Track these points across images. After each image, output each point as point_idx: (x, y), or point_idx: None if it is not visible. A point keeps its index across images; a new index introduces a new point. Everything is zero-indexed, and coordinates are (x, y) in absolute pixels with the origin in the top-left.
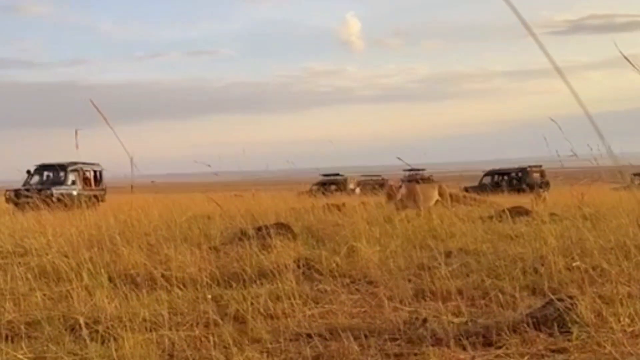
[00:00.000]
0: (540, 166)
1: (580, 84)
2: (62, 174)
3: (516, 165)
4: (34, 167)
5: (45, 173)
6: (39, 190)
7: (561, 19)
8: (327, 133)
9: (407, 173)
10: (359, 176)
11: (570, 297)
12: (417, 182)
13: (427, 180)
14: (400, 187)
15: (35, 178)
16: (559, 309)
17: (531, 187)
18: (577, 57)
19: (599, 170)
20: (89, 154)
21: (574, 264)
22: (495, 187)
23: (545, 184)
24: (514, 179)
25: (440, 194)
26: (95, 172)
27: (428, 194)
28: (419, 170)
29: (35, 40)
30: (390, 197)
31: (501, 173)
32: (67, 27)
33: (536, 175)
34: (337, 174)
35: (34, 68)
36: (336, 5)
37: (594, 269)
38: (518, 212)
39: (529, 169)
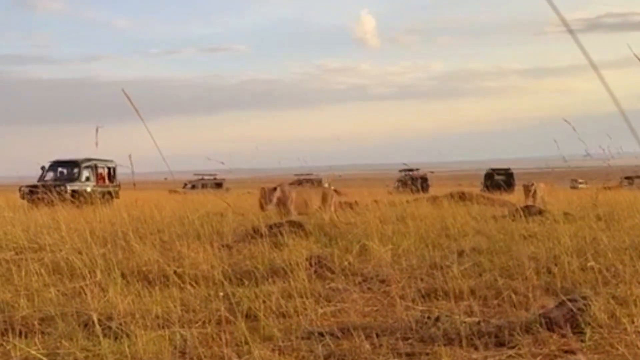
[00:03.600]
0: (508, 169)
1: (596, 83)
2: (76, 170)
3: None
4: (48, 164)
5: (59, 169)
6: (54, 187)
7: (578, 17)
8: (340, 130)
9: (404, 173)
10: (193, 175)
11: (584, 298)
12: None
13: (423, 179)
14: (275, 190)
15: (50, 174)
16: (572, 310)
17: (497, 186)
18: (593, 55)
19: (612, 170)
20: (106, 150)
21: (587, 265)
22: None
23: (509, 185)
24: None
25: (324, 200)
26: (109, 168)
27: (308, 199)
28: (412, 169)
29: (51, 37)
30: (263, 202)
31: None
32: (83, 23)
33: (499, 177)
34: (310, 174)
35: (49, 64)
36: (351, 3)
37: (607, 269)
38: (531, 211)
39: (490, 171)
